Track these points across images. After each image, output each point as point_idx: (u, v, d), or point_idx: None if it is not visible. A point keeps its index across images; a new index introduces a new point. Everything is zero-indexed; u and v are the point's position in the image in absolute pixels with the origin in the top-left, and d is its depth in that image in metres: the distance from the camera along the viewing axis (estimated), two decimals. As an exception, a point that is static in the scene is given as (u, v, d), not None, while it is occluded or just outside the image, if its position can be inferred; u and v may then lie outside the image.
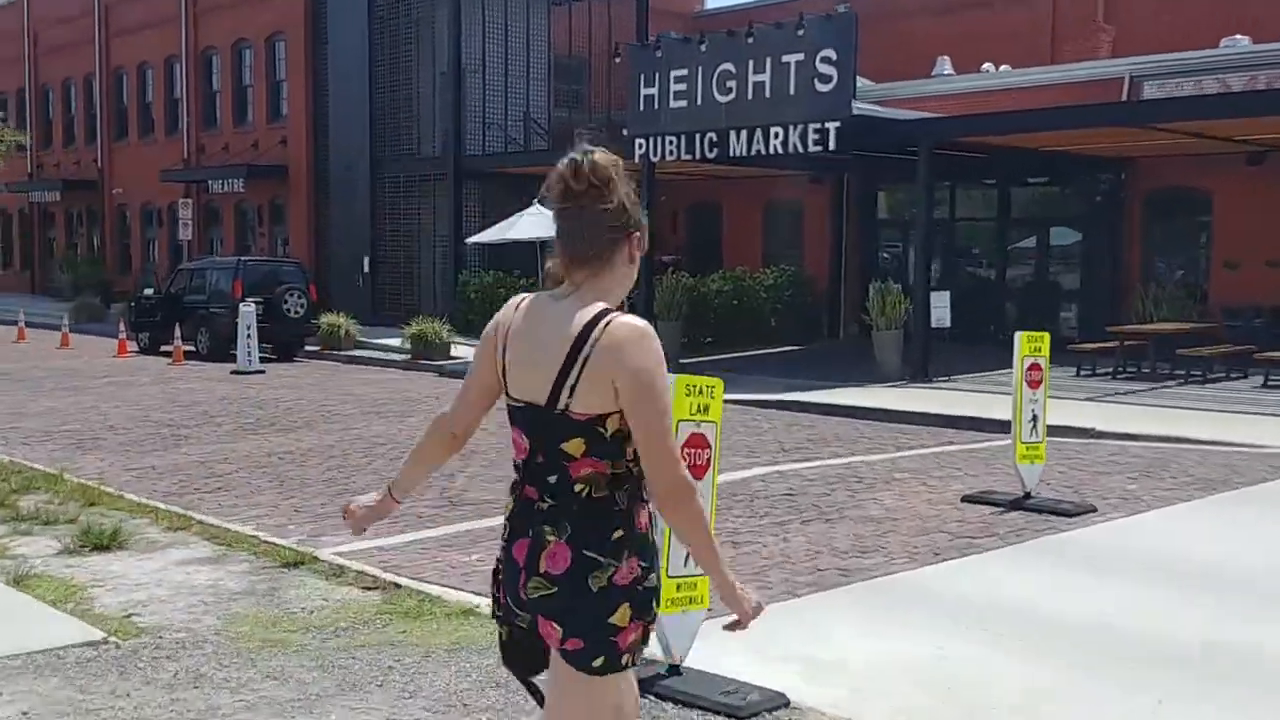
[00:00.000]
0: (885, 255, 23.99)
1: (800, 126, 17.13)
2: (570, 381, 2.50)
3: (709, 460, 4.62)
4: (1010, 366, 8.51)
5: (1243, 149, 18.09)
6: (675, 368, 4.24)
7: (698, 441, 4.43)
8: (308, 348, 22.11)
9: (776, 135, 17.46)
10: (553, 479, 2.57)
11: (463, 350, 19.95)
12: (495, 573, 2.73)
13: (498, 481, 8.80)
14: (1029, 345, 8.43)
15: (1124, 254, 20.49)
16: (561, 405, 2.52)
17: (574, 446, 2.54)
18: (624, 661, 2.56)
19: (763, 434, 12.67)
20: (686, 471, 2.57)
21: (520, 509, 2.64)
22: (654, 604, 2.60)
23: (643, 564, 2.57)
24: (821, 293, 23.72)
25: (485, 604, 4.42)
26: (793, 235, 24.93)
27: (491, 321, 2.73)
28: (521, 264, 22.62)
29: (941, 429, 12.98)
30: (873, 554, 7.18)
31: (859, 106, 17.68)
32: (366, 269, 27.45)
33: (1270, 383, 16.03)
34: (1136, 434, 11.89)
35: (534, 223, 19.74)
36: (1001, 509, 8.27)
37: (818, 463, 10.58)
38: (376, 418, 13.45)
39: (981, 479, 9.44)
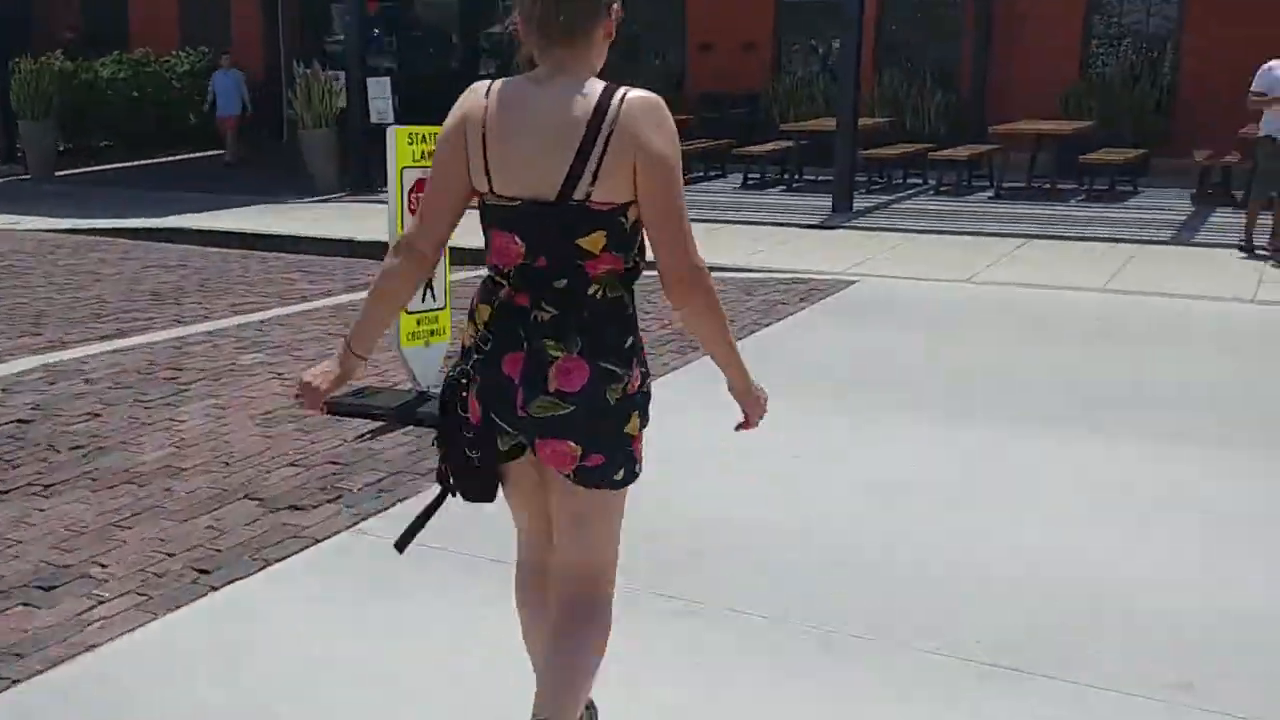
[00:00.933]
0: (337, 37, 19.90)
1: None
2: (591, 168, 2.19)
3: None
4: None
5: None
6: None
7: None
8: None
9: None
10: (561, 283, 2.26)
11: None
12: (453, 387, 2.35)
13: None
14: (410, 150, 5.26)
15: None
16: (580, 196, 2.21)
17: (592, 242, 2.24)
18: (639, 470, 2.38)
19: (83, 286, 8.74)
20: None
21: (505, 318, 2.30)
22: (650, 407, 2.39)
23: (643, 370, 2.37)
24: (260, 84, 19.29)
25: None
26: (222, 10, 20.07)
27: (452, 117, 2.34)
28: None
29: (366, 260, 9.76)
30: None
31: None
32: None
33: (750, 180, 14.41)
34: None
35: None
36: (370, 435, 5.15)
37: (137, 340, 6.94)
38: None
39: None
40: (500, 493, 2.46)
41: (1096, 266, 8.87)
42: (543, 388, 2.26)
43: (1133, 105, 14.25)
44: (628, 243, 2.28)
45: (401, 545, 2.45)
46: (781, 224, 11.24)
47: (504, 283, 2.31)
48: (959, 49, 15.94)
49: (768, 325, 7.10)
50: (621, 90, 2.22)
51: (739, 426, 2.52)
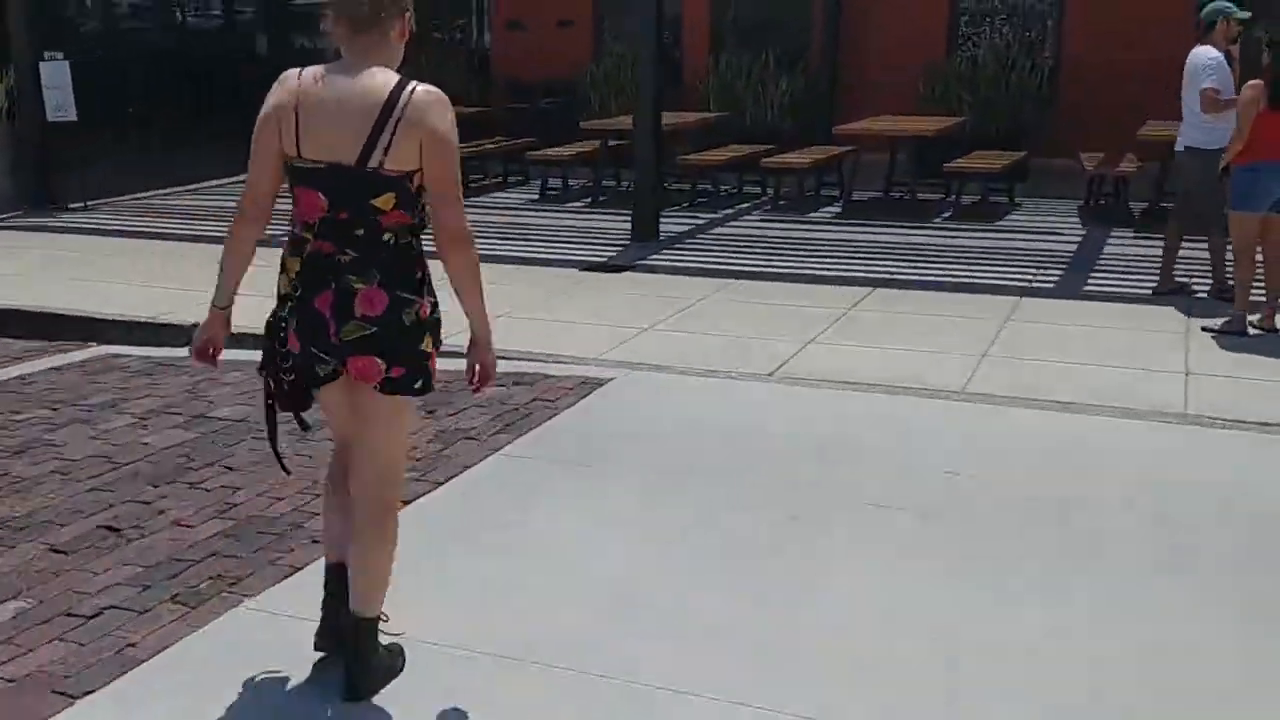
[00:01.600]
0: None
1: None
2: (384, 142, 2.72)
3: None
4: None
5: None
6: None
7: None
8: None
9: None
10: (360, 232, 2.79)
11: None
12: (272, 327, 2.89)
13: None
14: None
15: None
16: (374, 163, 2.73)
17: (384, 201, 2.77)
18: (433, 382, 2.93)
19: None
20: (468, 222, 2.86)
21: (314, 265, 2.82)
22: (440, 332, 2.92)
23: (432, 300, 2.89)
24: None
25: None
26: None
27: (269, 101, 2.82)
28: None
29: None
30: None
31: None
32: None
33: (550, 191, 11.63)
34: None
35: None
36: None
37: None
38: None
39: None
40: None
41: (957, 341, 6.32)
42: (350, 315, 2.80)
43: (1008, 98, 11.84)
44: (413, 202, 2.81)
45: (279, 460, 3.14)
46: (559, 261, 8.51)
47: (309, 235, 2.82)
48: (808, 29, 13.39)
49: (419, 496, 4.35)
50: (411, 83, 2.76)
51: (473, 386, 2.98)
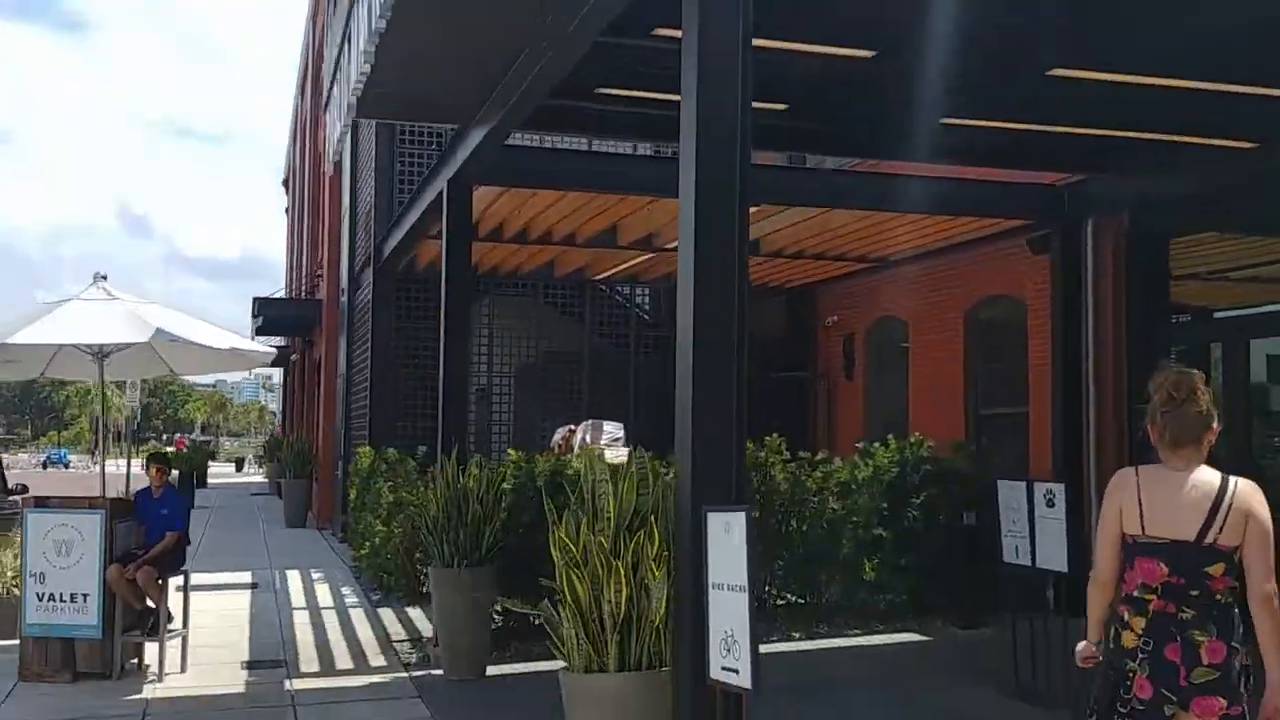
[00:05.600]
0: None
1: None
2: (1219, 522, 3.54)
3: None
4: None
5: None
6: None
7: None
8: None
9: None
10: (1195, 593, 3.54)
11: None
12: (1117, 687, 3.62)
13: None
14: None
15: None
16: (1210, 540, 3.53)
17: (1217, 569, 3.53)
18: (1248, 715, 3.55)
19: None
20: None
21: (1160, 622, 3.57)
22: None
23: (1246, 649, 3.57)
24: None
25: None
26: None
27: (1113, 491, 3.75)
28: None
29: None
30: None
31: None
32: None
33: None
34: None
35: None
36: None
37: None
38: None
39: None
40: None
41: None
42: (1198, 661, 3.50)
43: None
44: (1236, 570, 3.54)
45: None
46: None
47: (1151, 596, 3.59)
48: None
49: None
50: (1235, 478, 3.62)
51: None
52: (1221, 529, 3.50)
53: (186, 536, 8.90)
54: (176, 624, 8.64)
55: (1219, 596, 3.53)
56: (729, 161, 4.40)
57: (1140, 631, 3.56)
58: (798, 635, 9.92)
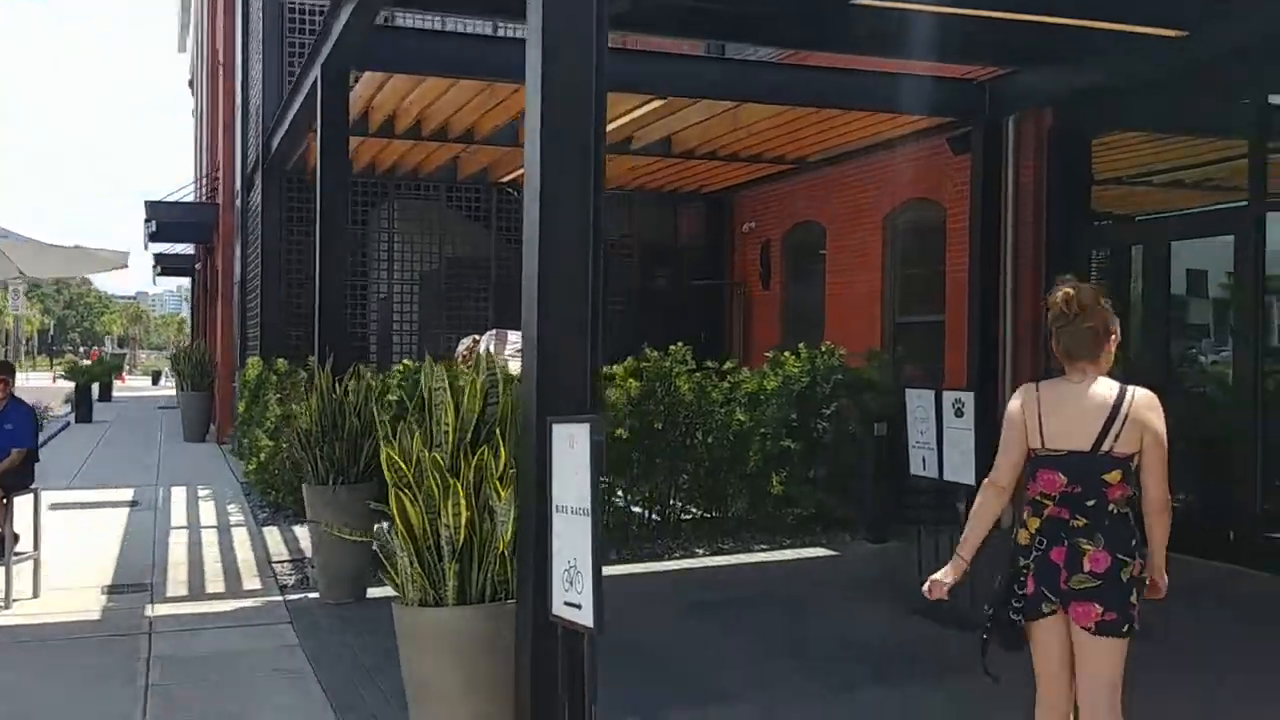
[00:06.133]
0: None
1: None
2: (1115, 431, 3.60)
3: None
4: None
5: None
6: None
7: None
8: None
9: None
10: (1090, 503, 3.62)
11: None
12: (1013, 581, 3.74)
13: None
14: None
15: None
16: (1106, 449, 3.61)
17: (1113, 476, 3.61)
18: (1137, 628, 3.65)
19: None
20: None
21: (1051, 526, 3.67)
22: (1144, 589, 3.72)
23: (1141, 561, 3.65)
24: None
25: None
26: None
27: (1014, 406, 3.79)
28: None
29: None
30: None
31: None
32: None
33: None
34: None
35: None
36: None
37: None
38: None
39: None
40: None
41: None
42: (1079, 568, 3.60)
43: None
44: (1132, 479, 3.64)
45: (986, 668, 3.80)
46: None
47: (1048, 503, 3.67)
48: None
49: None
50: (1130, 388, 3.66)
51: (1151, 593, 3.77)
52: (1117, 438, 3.59)
53: (35, 453, 8.17)
54: (26, 546, 7.96)
55: (1113, 506, 3.61)
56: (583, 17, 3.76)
57: (1034, 531, 3.68)
58: (701, 551, 9.52)
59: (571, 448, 3.30)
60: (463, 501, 3.67)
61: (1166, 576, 3.80)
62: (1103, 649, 3.59)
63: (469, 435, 3.84)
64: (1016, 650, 3.78)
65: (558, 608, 3.34)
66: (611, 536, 9.52)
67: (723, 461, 9.91)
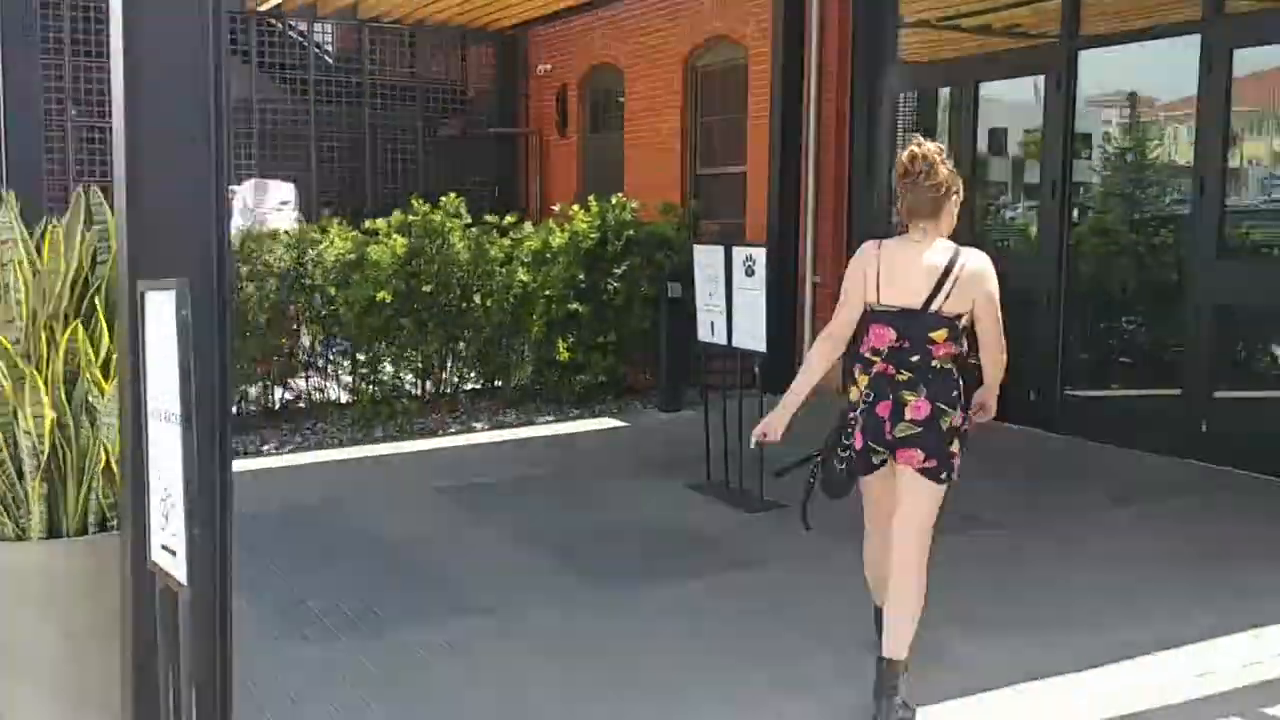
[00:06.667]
0: None
1: None
2: (945, 292, 3.67)
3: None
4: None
5: None
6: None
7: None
8: None
9: None
10: (915, 358, 3.72)
11: None
12: (841, 431, 3.89)
13: None
14: None
15: None
16: (935, 308, 3.68)
17: (939, 335, 3.70)
18: (956, 476, 3.79)
19: None
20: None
21: (878, 382, 3.78)
22: (966, 440, 3.82)
23: (964, 414, 3.79)
24: None
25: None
26: None
27: (856, 261, 3.84)
28: None
29: None
30: None
31: None
32: None
33: None
34: None
35: None
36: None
37: None
38: None
39: None
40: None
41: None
42: (901, 417, 3.72)
43: None
44: (959, 338, 3.75)
45: (779, 473, 4.25)
46: None
47: (876, 359, 3.78)
48: None
49: None
50: (963, 250, 3.72)
51: (979, 412, 3.95)
52: (947, 298, 3.66)
53: None
54: None
55: (936, 362, 3.71)
56: None
57: (863, 388, 3.80)
58: (480, 425, 8.67)
59: (160, 325, 2.30)
60: (45, 399, 2.66)
61: (995, 404, 4.01)
62: (920, 489, 3.72)
63: (63, 307, 2.79)
64: (841, 497, 3.96)
65: (154, 553, 2.39)
66: (378, 412, 8.57)
67: (504, 327, 9.00)
